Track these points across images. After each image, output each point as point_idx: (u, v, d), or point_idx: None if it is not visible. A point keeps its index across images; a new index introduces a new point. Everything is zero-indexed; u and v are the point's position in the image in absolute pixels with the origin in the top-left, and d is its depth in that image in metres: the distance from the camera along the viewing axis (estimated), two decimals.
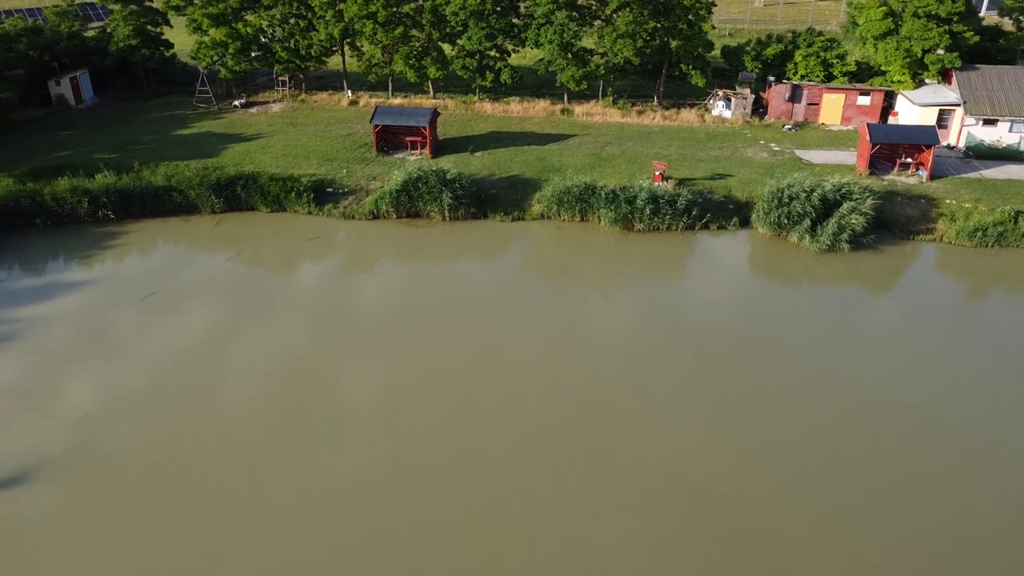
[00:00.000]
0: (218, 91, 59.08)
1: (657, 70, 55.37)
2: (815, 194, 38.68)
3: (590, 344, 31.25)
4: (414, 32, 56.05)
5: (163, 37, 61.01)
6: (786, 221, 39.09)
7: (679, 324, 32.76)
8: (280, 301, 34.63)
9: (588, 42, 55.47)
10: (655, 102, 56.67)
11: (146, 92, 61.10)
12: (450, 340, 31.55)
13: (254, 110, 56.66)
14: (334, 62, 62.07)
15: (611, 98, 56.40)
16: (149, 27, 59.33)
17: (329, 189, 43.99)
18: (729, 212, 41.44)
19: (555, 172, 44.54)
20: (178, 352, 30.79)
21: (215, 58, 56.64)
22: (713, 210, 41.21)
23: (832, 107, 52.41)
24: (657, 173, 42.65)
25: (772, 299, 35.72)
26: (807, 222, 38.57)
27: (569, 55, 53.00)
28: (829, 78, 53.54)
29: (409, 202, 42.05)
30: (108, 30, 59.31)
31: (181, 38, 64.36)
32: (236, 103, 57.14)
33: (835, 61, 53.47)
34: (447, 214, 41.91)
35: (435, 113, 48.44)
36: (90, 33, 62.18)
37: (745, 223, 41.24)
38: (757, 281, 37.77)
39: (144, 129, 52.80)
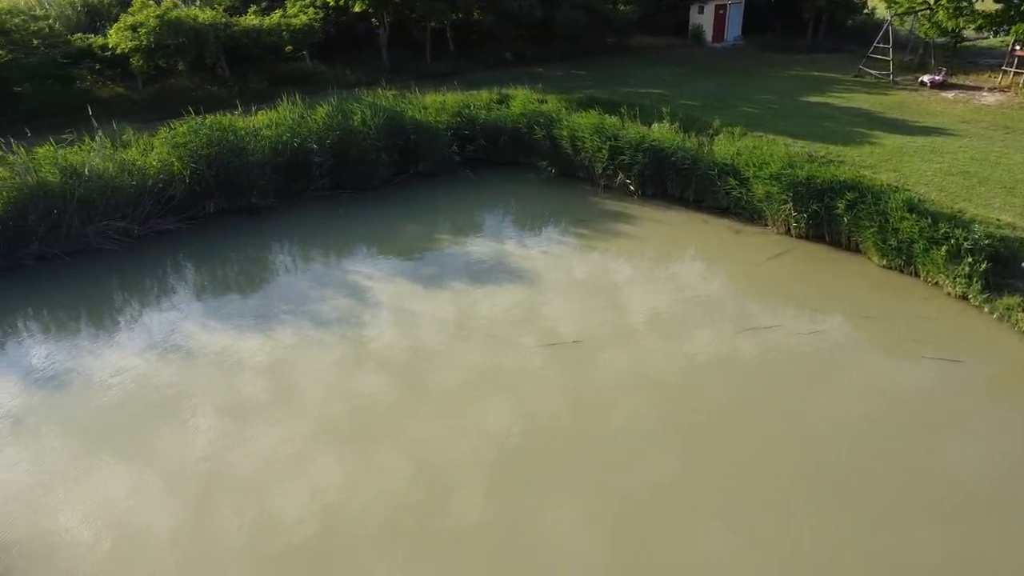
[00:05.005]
0: (906, 59, 37.84)
1: None
2: None
3: None
4: None
5: None
6: None
7: None
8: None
9: None
10: None
11: (807, 43, 43.37)
12: None
13: (950, 95, 33.96)
14: None
15: None
16: None
17: None
18: None
19: None
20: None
21: (921, 5, 35.40)
22: None
23: None
24: None
25: None
26: None
27: None
28: None
29: None
30: None
31: None
32: (924, 79, 35.22)
33: None
34: None
35: None
36: None
37: None
38: None
39: (765, 87, 35.54)
